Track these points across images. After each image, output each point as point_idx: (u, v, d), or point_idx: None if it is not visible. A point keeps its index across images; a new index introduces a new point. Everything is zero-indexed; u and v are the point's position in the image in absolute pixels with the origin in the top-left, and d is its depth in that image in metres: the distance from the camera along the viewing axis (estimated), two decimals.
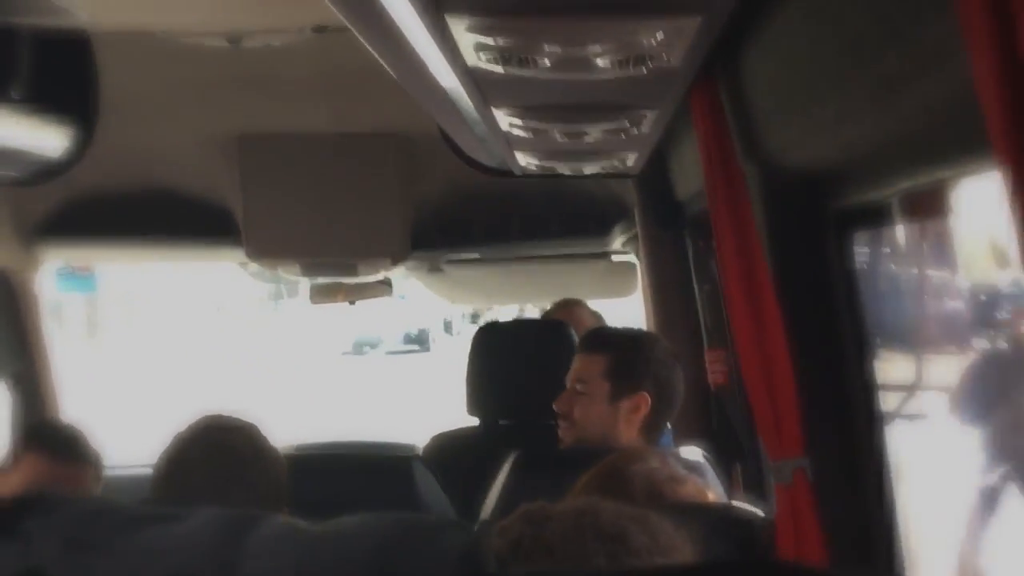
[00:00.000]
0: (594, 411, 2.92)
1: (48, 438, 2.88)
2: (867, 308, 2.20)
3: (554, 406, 3.00)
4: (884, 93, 1.43)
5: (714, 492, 2.16)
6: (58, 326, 4.32)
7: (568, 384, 3.00)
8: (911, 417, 2.57)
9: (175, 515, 0.63)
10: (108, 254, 4.75)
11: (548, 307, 4.74)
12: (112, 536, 0.61)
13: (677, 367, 2.95)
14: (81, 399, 4.61)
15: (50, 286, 4.42)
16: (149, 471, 2.38)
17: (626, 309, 5.58)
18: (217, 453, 2.31)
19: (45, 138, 3.07)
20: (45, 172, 3.25)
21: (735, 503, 2.37)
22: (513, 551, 1.27)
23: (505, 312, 9.29)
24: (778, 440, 2.05)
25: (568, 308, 4.44)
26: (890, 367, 2.39)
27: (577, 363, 3.00)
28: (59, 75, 3.04)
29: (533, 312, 8.45)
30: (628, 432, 2.87)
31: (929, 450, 2.78)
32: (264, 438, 2.39)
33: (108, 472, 2.93)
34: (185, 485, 2.28)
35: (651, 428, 2.89)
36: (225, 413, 2.45)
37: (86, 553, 0.60)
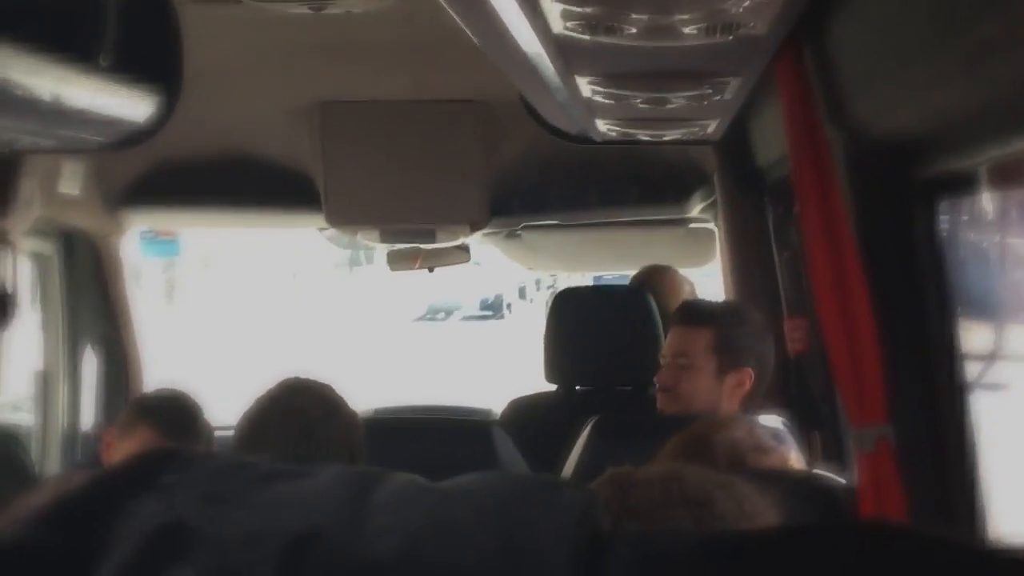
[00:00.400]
0: (701, 385, 2.93)
1: (162, 411, 2.88)
2: (952, 276, 2.18)
3: (657, 379, 3.02)
4: (976, 60, 1.41)
5: (798, 462, 2.16)
6: (139, 290, 4.38)
7: (666, 357, 3.02)
8: (994, 387, 2.55)
9: (305, 471, 0.65)
10: (191, 219, 4.81)
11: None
12: (247, 490, 0.63)
13: (772, 341, 2.96)
14: (163, 362, 4.68)
15: (134, 250, 4.48)
16: (228, 433, 2.43)
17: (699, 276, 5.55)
18: (288, 415, 2.36)
19: (131, 105, 3.11)
20: (130, 138, 3.28)
21: (817, 471, 2.37)
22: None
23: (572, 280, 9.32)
24: (861, 407, 2.04)
25: (660, 274, 4.42)
26: (974, 335, 2.36)
27: (678, 336, 3.01)
28: (145, 43, 3.07)
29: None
30: (731, 407, 2.89)
31: (1013, 419, 2.75)
32: (337, 399, 2.42)
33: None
34: (260, 446, 2.33)
35: (750, 403, 2.90)
36: (301, 376, 2.49)
37: (223, 506, 0.62)
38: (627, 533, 0.72)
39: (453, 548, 0.56)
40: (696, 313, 3.05)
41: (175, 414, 2.87)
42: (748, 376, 2.91)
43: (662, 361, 3.08)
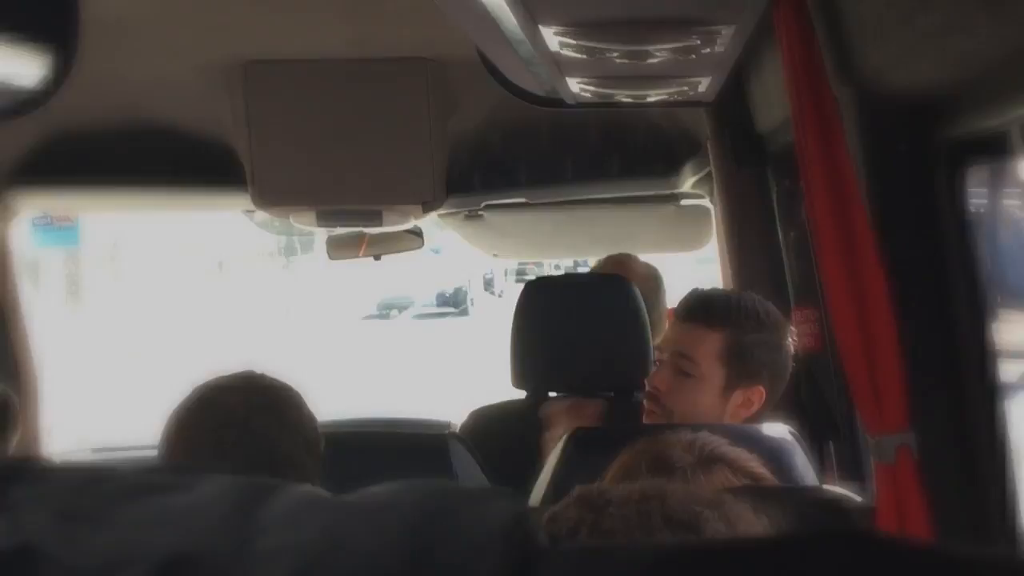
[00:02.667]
0: (703, 400, 2.84)
1: None
2: (984, 258, 2.19)
3: (648, 383, 2.93)
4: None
5: (773, 478, 2.15)
6: (34, 287, 4.35)
7: (664, 352, 2.94)
8: None
9: (180, 484, 0.64)
10: (92, 202, 4.79)
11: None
12: (109, 506, 0.62)
13: (789, 348, 2.90)
14: (64, 373, 4.66)
15: (26, 241, 4.46)
16: (144, 454, 2.41)
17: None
18: (213, 415, 2.32)
19: (17, 66, 3.09)
20: (17, 105, 3.27)
21: (827, 487, 2.38)
22: (569, 539, 1.28)
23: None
24: (879, 413, 2.05)
25: (616, 262, 4.42)
26: (1009, 328, 2.38)
27: (680, 333, 2.92)
28: None
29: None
30: None
31: None
32: (273, 395, 2.39)
33: (98, 455, 2.95)
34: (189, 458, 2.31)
35: (753, 421, 2.84)
36: (253, 373, 2.47)
37: (80, 525, 0.61)
38: (568, 549, 0.72)
39: (354, 570, 0.56)
40: (707, 309, 2.90)
41: None
42: (758, 395, 2.83)
43: (658, 356, 2.98)
